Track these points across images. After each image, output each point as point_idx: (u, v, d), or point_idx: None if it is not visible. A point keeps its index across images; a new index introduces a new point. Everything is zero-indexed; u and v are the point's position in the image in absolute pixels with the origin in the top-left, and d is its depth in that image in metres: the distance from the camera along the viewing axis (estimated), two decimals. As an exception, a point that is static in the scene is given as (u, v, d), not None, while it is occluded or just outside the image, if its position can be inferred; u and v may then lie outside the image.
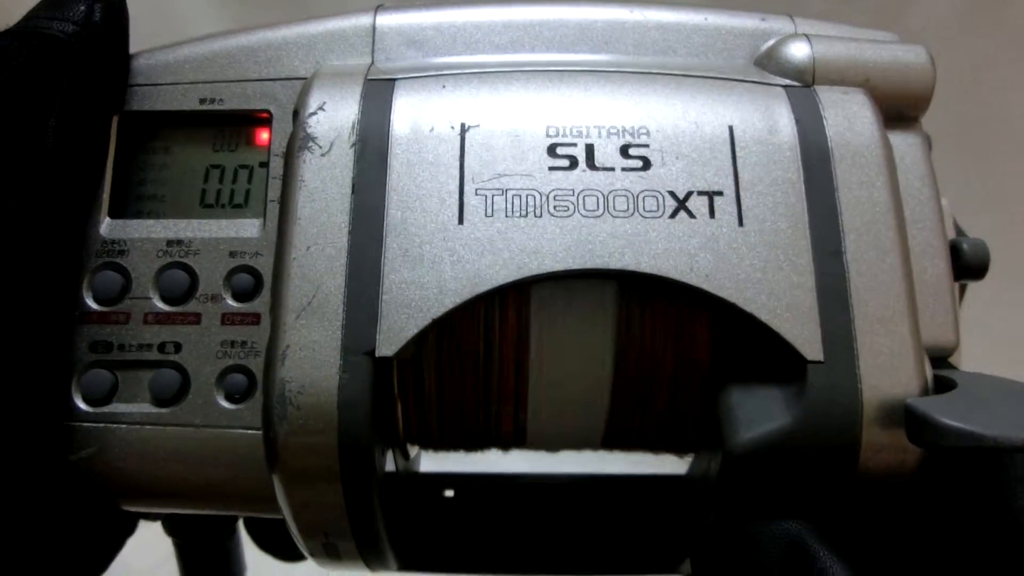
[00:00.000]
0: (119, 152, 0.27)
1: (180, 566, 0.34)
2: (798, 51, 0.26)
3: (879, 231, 0.24)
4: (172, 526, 0.32)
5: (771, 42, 0.27)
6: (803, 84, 0.26)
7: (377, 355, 0.23)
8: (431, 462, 0.31)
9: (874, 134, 0.25)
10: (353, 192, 0.24)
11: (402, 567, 0.28)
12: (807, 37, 0.26)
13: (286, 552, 0.34)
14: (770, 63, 0.27)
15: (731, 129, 0.25)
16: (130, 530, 0.31)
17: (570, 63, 0.27)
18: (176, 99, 0.27)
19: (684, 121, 0.25)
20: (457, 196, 0.24)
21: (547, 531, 0.30)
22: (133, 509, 0.27)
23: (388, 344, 0.23)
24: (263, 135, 0.27)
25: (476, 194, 0.24)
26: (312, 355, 0.23)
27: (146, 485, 0.26)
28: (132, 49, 0.28)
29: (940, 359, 0.25)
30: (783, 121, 0.25)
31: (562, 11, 0.28)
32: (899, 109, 0.26)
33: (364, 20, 0.27)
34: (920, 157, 0.26)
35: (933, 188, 0.26)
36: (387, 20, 0.27)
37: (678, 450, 0.28)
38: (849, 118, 0.25)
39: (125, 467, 0.25)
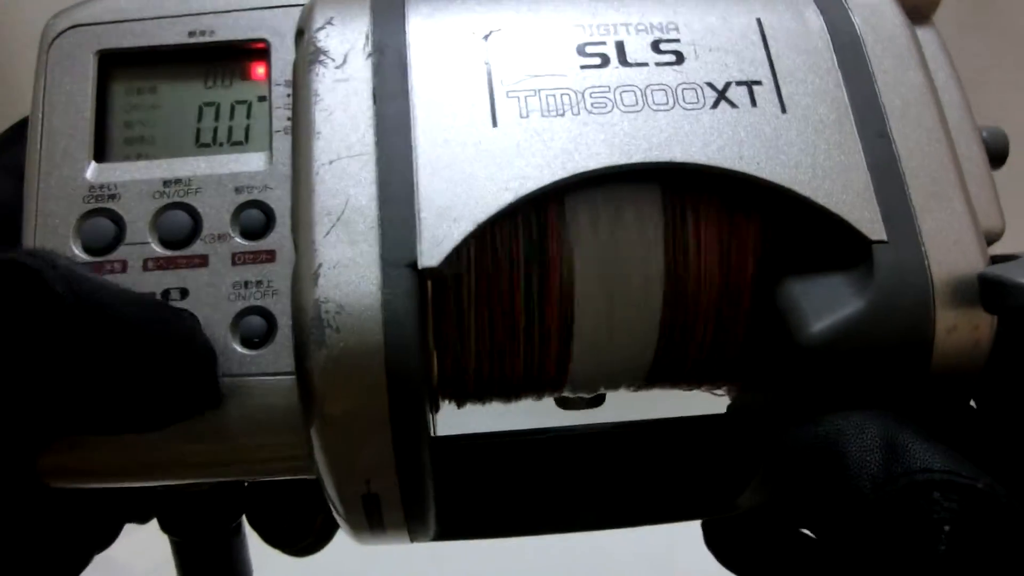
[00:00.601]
0: (101, 93, 0.25)
1: (178, 569, 0.30)
2: None
3: (920, 111, 0.23)
4: (169, 522, 0.29)
5: None
6: None
7: (420, 266, 0.21)
8: (447, 426, 0.29)
9: (899, 21, 0.24)
10: (375, 102, 0.22)
11: (441, 535, 0.25)
12: None
13: (296, 544, 0.31)
14: None
15: (759, 21, 0.24)
16: (106, 540, 0.27)
17: None
18: (162, 34, 0.25)
19: (711, 16, 0.24)
20: (488, 99, 0.22)
21: (589, 484, 0.28)
22: (134, 484, 0.24)
23: (431, 254, 0.21)
24: (259, 69, 0.25)
25: (508, 96, 0.22)
26: (348, 271, 0.21)
27: (154, 454, 0.23)
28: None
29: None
30: (808, 12, 0.24)
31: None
32: (911, 5, 0.26)
33: None
34: (939, 48, 0.26)
35: (956, 77, 0.26)
36: None
37: (731, 376, 0.26)
38: (872, 8, 0.25)
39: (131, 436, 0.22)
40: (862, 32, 0.24)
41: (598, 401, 0.30)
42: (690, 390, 0.27)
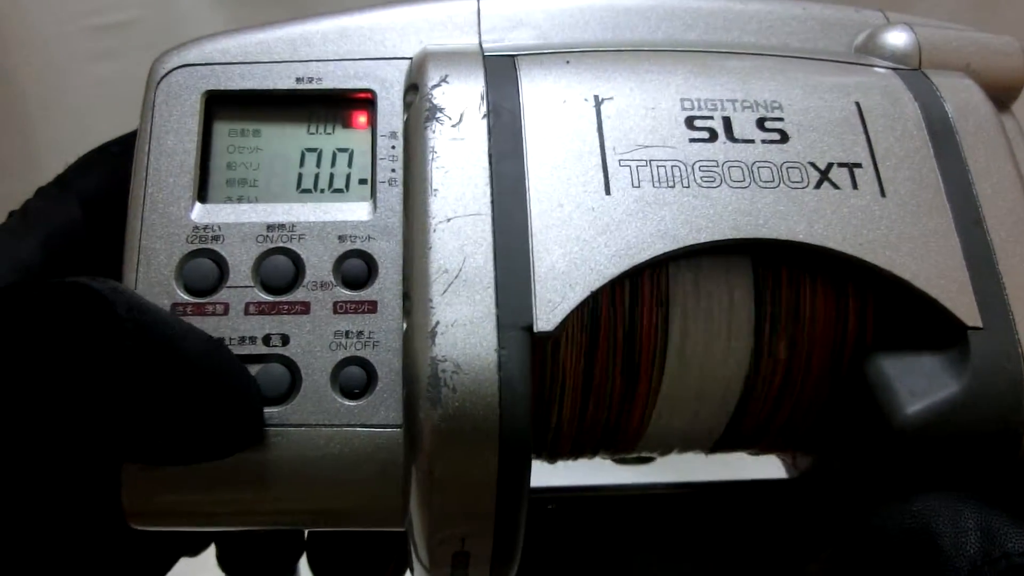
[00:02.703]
0: (206, 133, 0.25)
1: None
2: (902, 37, 0.27)
3: (1012, 201, 0.24)
4: (227, 559, 0.29)
5: (868, 31, 0.28)
6: (910, 68, 0.26)
7: (536, 330, 0.21)
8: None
9: (989, 112, 0.25)
10: (491, 163, 0.22)
11: None
12: (908, 25, 0.27)
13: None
14: (874, 49, 0.27)
15: (858, 104, 0.25)
16: (159, 572, 0.27)
17: (683, 43, 0.26)
18: (270, 78, 0.25)
19: (813, 97, 0.24)
20: (600, 166, 0.23)
21: (657, 543, 0.28)
22: (227, 528, 0.24)
23: (546, 319, 0.21)
24: (361, 118, 0.25)
25: (620, 164, 0.23)
26: (465, 331, 0.21)
27: (249, 500, 0.23)
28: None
29: None
30: (904, 98, 0.25)
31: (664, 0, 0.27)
32: (994, 94, 0.27)
33: (467, 3, 0.26)
34: (1020, 138, 0.27)
35: None
36: (490, 4, 0.27)
37: (807, 446, 0.27)
38: (963, 98, 0.25)
39: (225, 480, 0.22)
40: (954, 120, 0.25)
41: (649, 458, 0.30)
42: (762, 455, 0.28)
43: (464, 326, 0.21)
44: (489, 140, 0.23)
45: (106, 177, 0.27)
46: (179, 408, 0.20)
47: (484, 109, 0.23)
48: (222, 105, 0.25)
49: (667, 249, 0.22)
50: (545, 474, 0.29)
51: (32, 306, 0.19)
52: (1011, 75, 0.27)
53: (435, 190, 0.22)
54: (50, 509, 0.23)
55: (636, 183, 0.23)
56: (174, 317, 0.22)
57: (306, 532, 0.30)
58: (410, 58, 0.25)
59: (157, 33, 0.57)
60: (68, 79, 0.61)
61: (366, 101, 0.25)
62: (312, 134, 0.25)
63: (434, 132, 0.23)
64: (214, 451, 0.22)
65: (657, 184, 0.23)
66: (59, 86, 0.62)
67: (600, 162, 0.23)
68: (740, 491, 0.29)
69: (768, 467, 0.30)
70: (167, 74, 0.25)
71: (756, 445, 0.27)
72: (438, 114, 0.23)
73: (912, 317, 0.23)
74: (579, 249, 0.22)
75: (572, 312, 0.21)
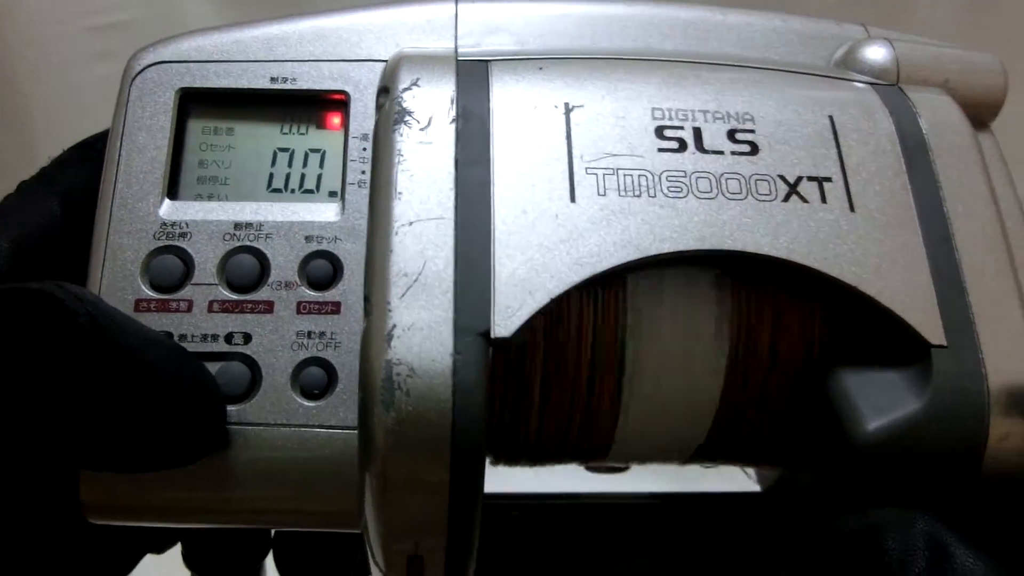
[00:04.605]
0: (179, 131, 0.25)
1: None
2: (880, 52, 0.27)
3: (983, 220, 0.24)
4: (193, 557, 0.29)
5: (847, 45, 0.27)
6: (887, 83, 0.26)
7: (493, 336, 0.21)
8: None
9: (965, 130, 0.25)
10: (457, 168, 0.22)
11: None
12: (888, 40, 0.27)
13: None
14: (853, 63, 0.27)
15: (831, 118, 0.24)
16: (124, 569, 0.27)
17: (661, 53, 0.26)
18: (244, 77, 0.25)
19: (785, 109, 0.24)
20: (567, 174, 0.23)
21: (623, 554, 0.28)
22: (178, 525, 0.24)
23: (504, 325, 0.21)
24: (335, 119, 0.26)
25: (587, 173, 0.23)
26: (423, 335, 0.21)
27: (200, 498, 0.23)
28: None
29: None
30: (879, 114, 0.25)
31: (643, 9, 0.27)
32: (973, 112, 0.27)
33: (446, 7, 0.26)
34: (997, 157, 0.27)
35: (1012, 185, 0.26)
36: (468, 9, 0.27)
37: (774, 459, 0.26)
38: (939, 114, 0.25)
39: (182, 478, 0.22)
40: (929, 136, 0.25)
41: (623, 467, 0.30)
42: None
43: (421, 330, 0.21)
44: (456, 145, 0.23)
45: (89, 173, 0.27)
46: (140, 416, 0.20)
47: (453, 114, 0.23)
48: (196, 103, 0.25)
49: (629, 258, 0.22)
50: (517, 478, 0.29)
51: None
52: (991, 92, 0.27)
53: (399, 193, 0.22)
54: (5, 505, 0.23)
55: (602, 191, 0.22)
56: (140, 325, 0.22)
57: (272, 531, 0.30)
58: (386, 60, 0.25)
59: (157, 33, 0.57)
60: (68, 79, 0.61)
61: (340, 102, 0.25)
62: (285, 134, 0.25)
63: (402, 135, 0.23)
64: (176, 459, 0.22)
65: (623, 193, 0.23)
66: (59, 86, 0.62)
67: (567, 169, 0.23)
68: (710, 503, 0.29)
69: (737, 477, 0.30)
70: (142, 71, 0.25)
71: (723, 459, 0.27)
72: (407, 117, 0.23)
73: (876, 333, 0.23)
74: (541, 256, 0.22)
75: (534, 320, 0.21)
